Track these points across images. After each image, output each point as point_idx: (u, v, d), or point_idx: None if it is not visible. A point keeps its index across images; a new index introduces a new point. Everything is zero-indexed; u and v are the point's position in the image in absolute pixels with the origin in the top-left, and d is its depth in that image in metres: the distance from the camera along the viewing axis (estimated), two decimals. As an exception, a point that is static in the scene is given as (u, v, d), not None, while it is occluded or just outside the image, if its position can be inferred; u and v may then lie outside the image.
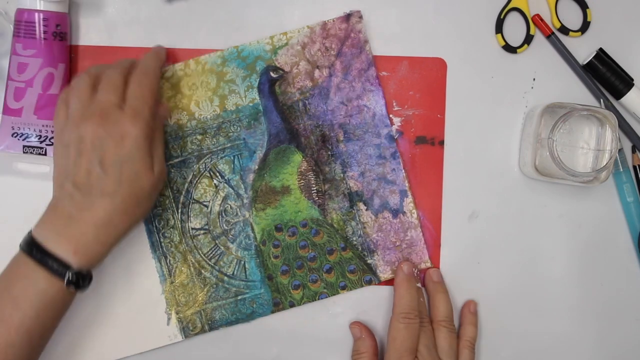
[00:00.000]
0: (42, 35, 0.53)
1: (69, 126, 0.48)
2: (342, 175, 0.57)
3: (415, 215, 0.57)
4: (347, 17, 0.56)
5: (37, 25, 0.52)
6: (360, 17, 0.56)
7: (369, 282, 0.57)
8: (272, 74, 0.56)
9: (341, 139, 0.57)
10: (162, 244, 0.56)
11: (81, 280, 0.47)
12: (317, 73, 0.56)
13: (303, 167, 0.57)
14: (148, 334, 0.56)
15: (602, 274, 0.59)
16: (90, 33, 0.57)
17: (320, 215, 0.57)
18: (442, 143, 0.58)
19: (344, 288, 0.57)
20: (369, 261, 0.57)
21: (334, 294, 0.57)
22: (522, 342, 0.59)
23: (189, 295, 0.57)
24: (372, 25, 0.58)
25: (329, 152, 0.57)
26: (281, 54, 0.56)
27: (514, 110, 0.59)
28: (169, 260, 0.57)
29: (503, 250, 0.59)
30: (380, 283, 0.58)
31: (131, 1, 0.57)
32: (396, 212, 0.57)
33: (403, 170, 0.57)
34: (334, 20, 0.56)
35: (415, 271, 0.56)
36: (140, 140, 0.48)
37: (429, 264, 0.57)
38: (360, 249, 0.57)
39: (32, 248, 0.47)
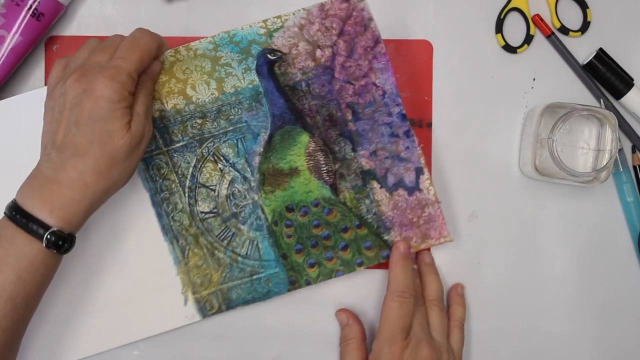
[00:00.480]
0: (18, 2, 0.53)
1: (61, 81, 0.49)
2: (352, 154, 0.56)
3: (432, 192, 0.56)
4: None
5: None
6: None
7: (387, 258, 0.56)
8: (270, 56, 0.54)
9: (350, 118, 0.55)
10: (173, 227, 0.56)
11: (61, 241, 0.47)
12: (318, 52, 0.55)
13: (311, 148, 0.55)
14: (165, 315, 0.56)
15: (602, 274, 0.59)
16: (90, 33, 0.57)
17: (333, 194, 0.56)
18: (429, 125, 0.58)
19: (360, 265, 0.56)
20: (385, 238, 0.56)
21: (351, 271, 0.56)
22: (522, 342, 0.59)
23: (204, 276, 0.56)
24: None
25: (338, 132, 0.56)
26: (277, 36, 0.54)
27: (514, 110, 0.59)
28: (181, 243, 0.56)
29: (503, 250, 0.59)
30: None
31: (131, 1, 0.57)
32: (412, 190, 0.56)
33: (418, 148, 0.56)
34: (332, 1, 0.54)
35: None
36: (114, 100, 0.47)
37: (448, 239, 0.56)
38: (375, 226, 0.56)
39: (13, 211, 0.46)
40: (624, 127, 0.59)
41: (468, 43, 0.59)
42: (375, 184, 0.56)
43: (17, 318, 0.47)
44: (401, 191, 0.56)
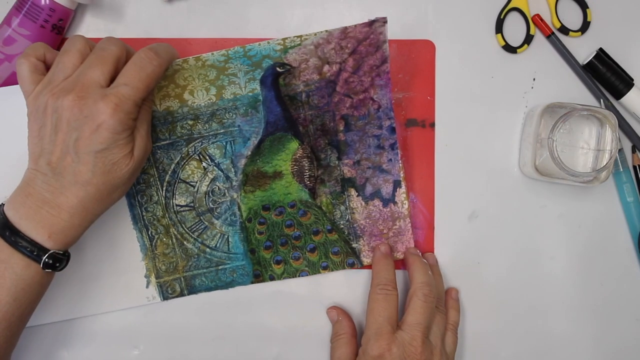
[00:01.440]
0: (43, 24, 0.53)
1: (47, 90, 0.46)
2: (337, 162, 0.57)
3: (406, 206, 0.57)
4: (371, 22, 0.53)
5: (42, 11, 0.52)
6: (385, 22, 0.53)
7: (352, 265, 0.58)
8: (278, 69, 0.54)
9: (341, 129, 0.56)
10: (144, 217, 0.57)
11: (58, 262, 0.47)
12: (326, 68, 0.55)
13: (298, 155, 0.56)
14: (128, 294, 0.58)
15: (601, 274, 0.59)
16: (89, 32, 0.57)
17: (310, 197, 0.57)
18: (432, 125, 0.58)
19: (325, 268, 0.57)
20: (353, 245, 0.58)
21: (315, 273, 0.58)
22: (522, 342, 0.59)
23: (169, 264, 0.57)
24: (372, 25, 0.58)
25: (327, 141, 0.56)
26: (292, 52, 0.54)
27: (514, 110, 0.59)
28: (151, 232, 0.57)
29: (503, 250, 0.59)
30: (362, 267, 0.58)
31: (131, 1, 0.57)
32: (387, 201, 0.57)
33: (400, 162, 0.57)
34: (355, 26, 0.54)
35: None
36: (118, 131, 0.45)
37: None
38: (346, 232, 0.57)
39: (6, 230, 0.45)
40: (624, 127, 0.59)
41: (468, 43, 0.59)
42: (353, 192, 0.57)
43: (10, 335, 0.47)
44: (377, 201, 0.57)
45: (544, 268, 0.59)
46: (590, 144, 0.58)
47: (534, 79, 0.59)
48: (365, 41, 0.54)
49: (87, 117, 0.44)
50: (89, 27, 0.57)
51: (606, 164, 0.55)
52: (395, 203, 0.57)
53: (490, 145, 0.59)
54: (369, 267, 0.58)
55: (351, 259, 0.58)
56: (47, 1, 0.52)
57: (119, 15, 0.57)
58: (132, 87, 0.46)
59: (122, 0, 0.57)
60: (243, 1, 0.58)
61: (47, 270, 0.46)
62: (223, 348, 0.58)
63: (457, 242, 0.59)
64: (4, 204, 0.47)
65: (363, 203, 0.57)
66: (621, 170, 0.58)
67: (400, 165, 0.57)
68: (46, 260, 0.46)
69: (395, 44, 0.58)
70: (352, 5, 0.58)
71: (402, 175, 0.57)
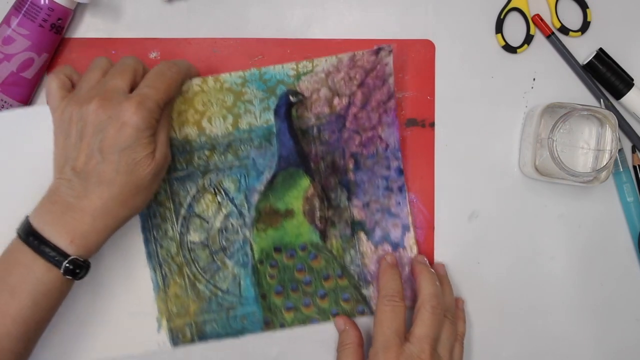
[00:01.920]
0: (41, 23, 0.53)
1: (72, 102, 0.48)
2: (347, 203, 0.57)
3: (415, 251, 0.57)
4: (378, 50, 0.55)
5: (41, 11, 0.52)
6: (390, 51, 0.55)
7: (362, 313, 0.57)
8: (291, 98, 0.55)
9: (351, 167, 0.56)
10: (159, 253, 0.56)
11: (78, 269, 0.47)
12: (336, 100, 0.56)
13: (309, 193, 0.56)
14: (138, 339, 0.56)
15: (601, 274, 0.59)
16: (89, 32, 0.57)
17: (321, 240, 0.57)
18: (432, 125, 0.58)
19: (335, 315, 0.57)
20: (363, 292, 0.57)
21: (325, 320, 0.57)
22: (522, 342, 0.59)
23: (181, 306, 0.56)
24: (371, 25, 0.58)
25: (337, 180, 0.57)
26: (304, 80, 0.55)
27: (514, 110, 0.59)
28: (164, 271, 0.56)
29: (503, 250, 0.59)
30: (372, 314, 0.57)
31: (131, 1, 0.57)
32: (396, 246, 0.57)
33: (408, 205, 0.57)
34: (363, 53, 0.55)
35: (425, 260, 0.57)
36: (142, 129, 0.46)
37: None
38: (356, 278, 0.57)
39: (29, 236, 0.46)
40: (624, 127, 0.59)
41: (468, 43, 0.59)
42: (363, 236, 0.57)
43: (27, 340, 0.47)
44: (386, 245, 0.57)
45: (544, 268, 0.59)
46: (590, 144, 0.58)
47: (534, 79, 0.59)
48: (372, 72, 0.55)
49: (111, 118, 0.46)
50: (89, 27, 0.57)
51: (606, 164, 0.55)
52: (404, 248, 0.57)
53: (490, 145, 0.59)
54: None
55: (361, 307, 0.57)
56: (46, 0, 0.52)
57: (119, 15, 0.57)
58: (153, 88, 0.48)
59: (122, 0, 0.57)
60: (243, 1, 0.58)
61: (67, 276, 0.47)
62: (223, 348, 0.58)
63: (457, 242, 0.59)
64: (28, 215, 0.48)
65: (373, 247, 0.57)
66: (621, 170, 0.58)
67: (408, 209, 0.57)
68: (67, 265, 0.46)
69: (395, 44, 0.58)
70: (352, 5, 0.58)
71: (410, 219, 0.57)
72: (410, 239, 0.57)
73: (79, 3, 0.54)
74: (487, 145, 0.59)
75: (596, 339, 0.59)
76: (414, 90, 0.58)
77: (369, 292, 0.57)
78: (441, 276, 0.57)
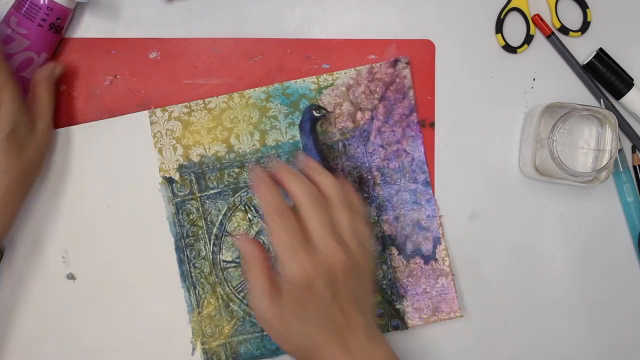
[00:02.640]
0: (40, 22, 0.53)
1: None
2: (376, 218, 0.57)
3: (447, 263, 0.57)
4: (395, 62, 0.56)
5: (40, 10, 0.52)
6: (407, 63, 0.56)
7: (396, 328, 0.57)
8: (315, 113, 0.55)
9: (378, 182, 0.57)
10: (192, 274, 0.56)
11: None
12: (359, 115, 0.57)
13: None
14: None
15: (601, 274, 0.59)
16: (89, 32, 0.57)
17: None
18: (432, 125, 0.58)
19: None
20: (397, 306, 0.57)
21: None
22: (522, 341, 0.59)
23: (215, 327, 0.56)
24: (371, 25, 0.58)
25: (365, 195, 0.57)
26: (325, 93, 0.56)
27: (514, 110, 0.59)
28: (198, 291, 0.56)
29: (503, 250, 0.59)
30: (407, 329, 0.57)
31: (131, 1, 0.57)
32: (428, 259, 0.57)
33: (438, 218, 0.57)
34: (380, 65, 0.56)
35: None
36: (14, 113, 0.49)
37: (458, 315, 0.57)
38: (389, 293, 0.57)
39: None
40: (624, 127, 0.59)
41: (468, 43, 0.59)
42: (394, 250, 0.57)
43: None
44: (418, 259, 0.57)
45: (544, 268, 0.59)
46: (590, 144, 0.58)
47: (534, 79, 0.59)
48: (392, 86, 0.56)
49: None
50: (89, 26, 0.57)
51: (606, 164, 0.55)
52: (436, 260, 0.57)
53: (490, 145, 0.59)
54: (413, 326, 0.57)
55: (395, 321, 0.57)
56: (46, 0, 0.52)
57: (119, 15, 0.57)
58: None
59: (122, 0, 0.57)
60: (243, 1, 0.58)
61: None
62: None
63: (457, 242, 0.58)
64: None
65: (404, 261, 0.57)
66: (621, 170, 0.58)
67: (439, 221, 0.57)
68: None
69: (395, 44, 0.58)
70: (352, 5, 0.58)
71: (441, 231, 0.57)
72: (442, 251, 0.57)
73: (78, 2, 0.54)
74: (487, 145, 0.59)
75: (596, 339, 0.59)
76: (414, 90, 0.58)
77: (402, 306, 0.57)
78: (311, 167, 0.50)
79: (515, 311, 0.59)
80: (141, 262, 0.57)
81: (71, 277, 0.57)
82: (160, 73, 0.57)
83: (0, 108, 0.49)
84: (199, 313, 0.56)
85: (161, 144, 0.56)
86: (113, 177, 0.57)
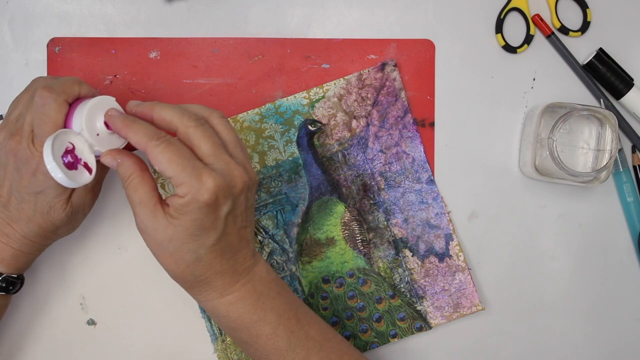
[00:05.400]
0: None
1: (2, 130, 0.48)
2: (385, 223, 0.57)
3: (462, 258, 0.57)
4: (382, 66, 0.57)
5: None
6: (395, 66, 0.57)
7: (420, 329, 0.57)
8: (310, 127, 0.55)
9: (382, 186, 0.57)
10: None
11: (11, 285, 0.49)
12: (354, 123, 0.57)
13: (346, 218, 0.56)
14: None
15: (601, 274, 0.59)
16: (89, 33, 0.57)
17: (367, 264, 0.57)
18: (432, 125, 0.58)
19: (394, 336, 0.57)
20: (418, 308, 0.57)
21: (385, 343, 0.57)
22: (522, 342, 0.59)
23: (241, 352, 0.56)
24: (371, 25, 0.58)
25: (371, 201, 0.57)
26: (318, 107, 0.56)
27: (514, 110, 0.59)
28: None
29: (503, 250, 0.59)
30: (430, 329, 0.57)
31: (131, 1, 0.57)
32: (442, 256, 0.57)
33: (447, 214, 0.57)
34: (369, 71, 0.57)
35: None
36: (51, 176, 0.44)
37: (480, 308, 0.57)
38: (408, 295, 0.57)
39: None
40: (624, 127, 0.59)
41: (468, 43, 0.59)
42: (408, 252, 0.57)
43: None
44: (432, 258, 0.57)
45: (544, 268, 0.59)
46: (590, 144, 0.58)
47: (534, 79, 0.59)
48: (383, 90, 0.56)
49: (24, 161, 0.46)
50: (89, 27, 0.57)
51: (606, 164, 0.55)
52: (450, 257, 0.57)
53: (490, 145, 0.59)
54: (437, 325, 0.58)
55: (418, 323, 0.57)
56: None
57: (119, 15, 0.57)
58: (38, 126, 0.45)
59: (123, 0, 0.57)
60: (243, 1, 0.58)
61: (1, 293, 0.49)
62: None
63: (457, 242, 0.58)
64: None
65: (419, 262, 0.57)
66: (621, 170, 0.58)
67: (448, 217, 0.57)
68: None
69: (395, 44, 0.58)
70: (352, 5, 0.58)
71: (451, 227, 0.57)
72: (455, 247, 0.57)
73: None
74: (487, 145, 0.59)
75: (596, 339, 0.59)
76: (414, 90, 0.58)
77: (424, 307, 0.57)
78: (141, 105, 0.46)
79: (515, 311, 0.59)
80: (159, 300, 0.56)
81: (91, 322, 0.57)
82: (160, 73, 0.57)
83: (39, 168, 0.45)
84: (223, 341, 0.56)
85: None
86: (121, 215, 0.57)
